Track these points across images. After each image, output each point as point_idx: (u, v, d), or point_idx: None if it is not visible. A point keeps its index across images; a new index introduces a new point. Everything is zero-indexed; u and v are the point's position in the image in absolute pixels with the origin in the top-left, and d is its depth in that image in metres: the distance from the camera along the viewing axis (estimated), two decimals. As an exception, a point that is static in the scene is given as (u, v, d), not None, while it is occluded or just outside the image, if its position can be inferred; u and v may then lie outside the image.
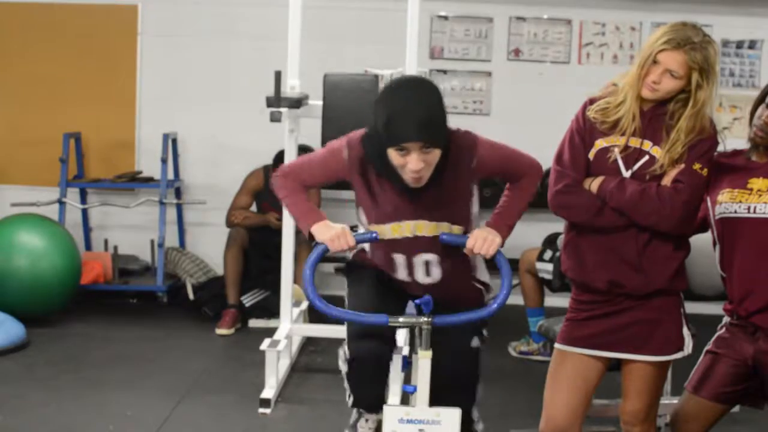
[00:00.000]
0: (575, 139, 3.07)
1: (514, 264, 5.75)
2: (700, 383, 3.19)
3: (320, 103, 4.98)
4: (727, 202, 3.10)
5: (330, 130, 4.99)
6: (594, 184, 2.99)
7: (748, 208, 3.05)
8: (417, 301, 2.71)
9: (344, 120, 4.98)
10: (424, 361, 2.61)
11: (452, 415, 2.57)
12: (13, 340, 5.33)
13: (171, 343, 5.65)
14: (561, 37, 6.92)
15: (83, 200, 6.92)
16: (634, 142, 2.98)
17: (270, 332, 5.14)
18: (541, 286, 5.61)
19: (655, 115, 2.98)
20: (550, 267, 5.45)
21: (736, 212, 3.07)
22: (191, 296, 6.40)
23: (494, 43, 6.93)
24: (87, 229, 6.95)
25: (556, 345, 3.22)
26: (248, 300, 6.15)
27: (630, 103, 2.98)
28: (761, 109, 3.12)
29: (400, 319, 2.70)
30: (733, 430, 4.12)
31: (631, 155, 2.98)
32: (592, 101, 3.11)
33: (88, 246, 6.92)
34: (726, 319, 3.20)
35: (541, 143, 6.84)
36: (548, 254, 5.52)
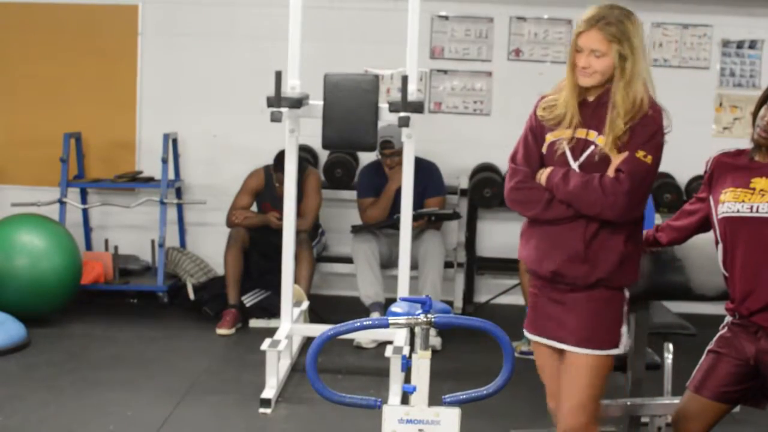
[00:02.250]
0: (528, 137, 3.13)
1: (514, 264, 5.79)
2: (701, 382, 3.19)
3: (320, 103, 4.98)
4: (729, 202, 3.10)
5: (330, 130, 5.00)
6: (543, 177, 3.03)
7: (751, 208, 3.05)
8: (417, 299, 2.71)
9: (344, 120, 4.99)
10: (423, 361, 2.61)
11: (452, 415, 2.57)
12: (13, 340, 5.33)
13: (171, 343, 5.65)
14: (561, 37, 6.92)
15: (84, 200, 6.92)
16: (581, 133, 3.00)
17: (270, 332, 5.14)
18: (541, 286, 5.60)
19: (600, 103, 3.00)
20: (550, 267, 5.44)
21: (738, 211, 3.08)
22: (192, 296, 6.40)
23: (494, 43, 6.93)
24: (87, 229, 6.95)
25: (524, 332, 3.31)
26: (249, 300, 6.15)
27: (566, 95, 3.02)
28: (764, 110, 3.12)
29: (401, 320, 2.70)
30: (733, 430, 4.12)
31: (577, 146, 3.00)
32: (543, 98, 3.16)
33: (89, 246, 6.92)
34: (728, 319, 3.20)
35: (541, 143, 6.88)
36: (548, 254, 5.51)
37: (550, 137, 3.06)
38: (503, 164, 6.79)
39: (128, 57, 6.93)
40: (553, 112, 3.06)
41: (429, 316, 2.65)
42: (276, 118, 4.77)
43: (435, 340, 5.47)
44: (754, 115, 3.18)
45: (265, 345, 4.76)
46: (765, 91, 3.18)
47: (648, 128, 2.97)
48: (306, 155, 6.68)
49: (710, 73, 6.87)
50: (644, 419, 3.98)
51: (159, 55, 6.90)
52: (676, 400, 3.38)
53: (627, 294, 3.11)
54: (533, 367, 5.58)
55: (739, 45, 6.83)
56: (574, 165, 3.01)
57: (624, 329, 3.08)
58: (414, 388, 2.61)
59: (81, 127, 6.85)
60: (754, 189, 3.08)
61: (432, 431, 2.55)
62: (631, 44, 2.96)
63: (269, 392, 4.66)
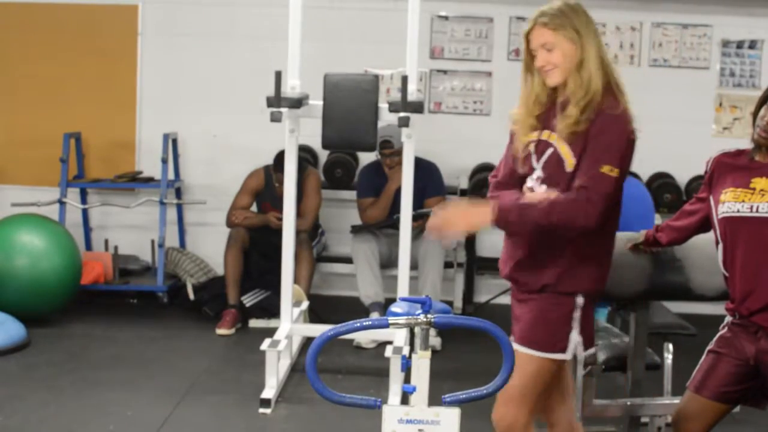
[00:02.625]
0: (506, 152, 3.13)
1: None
2: (702, 382, 3.19)
3: (320, 103, 4.98)
4: (730, 202, 3.10)
5: (330, 130, 5.00)
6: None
7: (751, 208, 3.06)
8: (417, 300, 2.71)
9: (344, 120, 4.99)
10: (423, 361, 2.61)
11: (452, 415, 2.57)
12: (13, 340, 5.33)
13: (171, 343, 5.65)
14: (561, 37, 6.92)
15: (83, 200, 6.92)
16: (545, 135, 2.98)
17: (270, 332, 5.14)
18: (541, 286, 5.60)
19: (561, 102, 2.97)
20: (550, 267, 5.44)
21: (738, 211, 3.08)
22: (191, 296, 6.40)
23: (494, 43, 6.93)
24: (87, 229, 6.95)
25: None
26: (248, 300, 6.15)
27: (524, 101, 3.03)
28: (764, 110, 3.13)
29: (400, 321, 2.70)
30: (733, 430, 4.12)
31: (540, 148, 2.97)
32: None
33: (89, 246, 6.92)
34: (728, 319, 3.20)
35: (541, 143, 6.88)
36: (548, 254, 5.51)
37: (523, 139, 3.03)
38: (503, 164, 6.81)
39: (128, 57, 6.93)
40: (516, 126, 3.07)
41: (429, 316, 2.65)
42: (276, 118, 4.77)
43: (435, 340, 5.47)
44: (754, 115, 3.18)
45: (265, 345, 4.76)
46: (765, 91, 3.18)
47: (609, 133, 2.86)
48: (306, 155, 6.68)
49: (710, 73, 6.88)
50: (644, 419, 3.98)
51: (159, 55, 6.90)
52: (676, 400, 3.38)
53: (581, 300, 2.99)
54: (533, 367, 5.58)
55: (739, 45, 6.84)
56: (537, 166, 2.97)
57: (574, 335, 2.99)
58: (414, 388, 2.61)
59: (81, 127, 6.85)
60: (754, 189, 3.08)
61: (432, 431, 2.55)
62: (575, 29, 2.91)
63: (269, 392, 4.67)
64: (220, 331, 5.89)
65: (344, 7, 6.78)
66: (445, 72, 6.90)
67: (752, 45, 6.83)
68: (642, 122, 7.24)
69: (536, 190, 2.97)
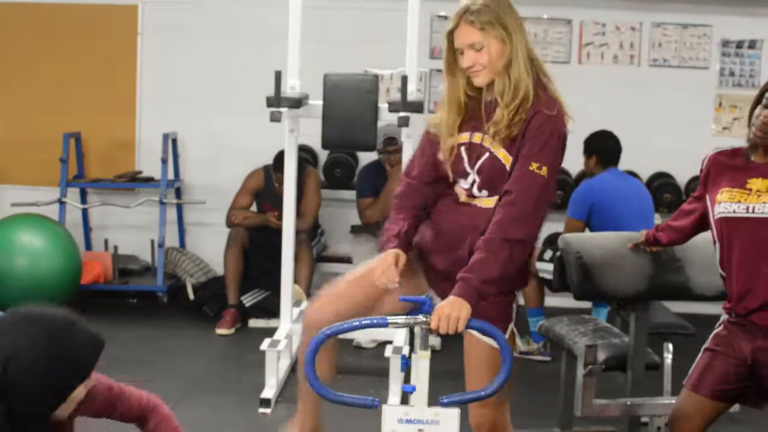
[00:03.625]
0: (419, 151, 3.07)
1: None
2: (698, 381, 3.19)
3: (320, 103, 4.98)
4: (726, 202, 3.10)
5: (330, 130, 4.99)
6: None
7: (747, 208, 3.06)
8: (416, 299, 2.71)
9: (344, 120, 4.98)
10: (423, 361, 2.61)
11: (451, 415, 2.57)
12: (13, 340, 5.32)
13: (171, 343, 5.65)
14: (561, 37, 6.92)
15: (83, 200, 6.92)
16: (477, 138, 2.90)
17: (270, 332, 5.13)
18: (541, 286, 5.61)
19: (490, 102, 2.88)
20: (550, 267, 5.44)
21: (735, 212, 3.08)
22: (191, 296, 6.40)
23: (494, 43, 6.92)
24: (87, 229, 6.95)
25: None
26: (248, 300, 6.15)
27: (448, 102, 2.94)
28: (759, 109, 3.12)
29: (400, 320, 2.70)
30: (733, 430, 4.12)
31: (473, 151, 2.90)
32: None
33: (88, 246, 6.92)
34: (724, 317, 3.20)
35: (541, 143, 6.87)
36: (548, 254, 5.52)
37: (450, 141, 2.93)
38: (503, 164, 6.81)
39: (128, 57, 6.93)
40: (437, 131, 2.98)
41: (428, 316, 2.65)
42: (276, 118, 4.77)
43: (435, 340, 5.47)
44: (750, 115, 3.17)
45: (265, 345, 4.76)
46: (760, 91, 3.17)
47: (542, 133, 2.81)
48: (306, 155, 6.68)
49: (710, 73, 6.88)
50: (644, 419, 3.99)
51: (159, 55, 6.90)
52: (675, 400, 3.38)
53: (514, 296, 3.06)
54: (533, 367, 5.61)
55: (739, 45, 6.84)
56: (472, 171, 2.90)
57: (511, 326, 3.06)
58: (413, 388, 2.61)
59: (81, 127, 6.85)
60: (750, 189, 3.08)
61: (431, 431, 2.55)
62: (504, 26, 2.79)
63: (269, 392, 4.66)
64: (220, 331, 5.89)
65: (344, 7, 6.77)
66: (445, 72, 6.89)
67: (752, 45, 6.83)
68: (642, 122, 7.28)
69: (477, 195, 2.92)
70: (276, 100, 4.76)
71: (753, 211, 3.05)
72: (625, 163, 5.63)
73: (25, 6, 6.90)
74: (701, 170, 3.28)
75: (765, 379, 3.11)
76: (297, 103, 4.87)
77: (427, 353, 2.62)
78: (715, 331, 3.23)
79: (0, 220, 6.03)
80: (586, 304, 5.58)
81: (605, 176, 5.51)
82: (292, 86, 4.97)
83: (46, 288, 5.75)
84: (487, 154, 2.86)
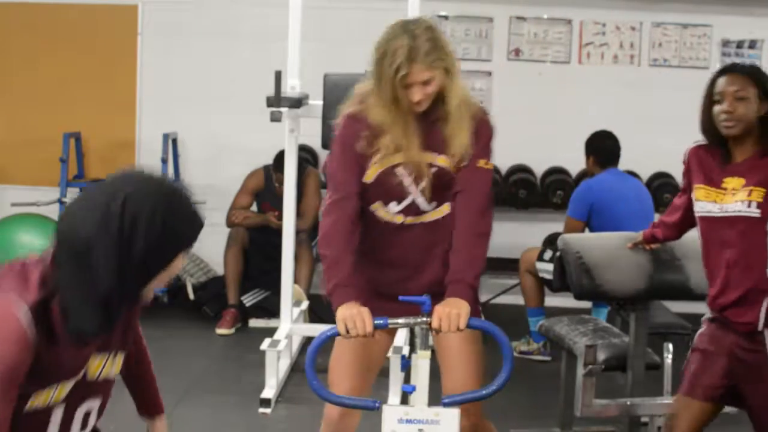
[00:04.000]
0: (342, 170, 2.97)
1: (514, 263, 5.80)
2: (692, 385, 3.20)
3: (320, 103, 4.98)
4: (702, 201, 3.13)
5: (330, 130, 4.98)
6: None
7: (721, 208, 3.07)
8: (417, 299, 2.71)
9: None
10: (423, 361, 2.61)
11: (451, 415, 2.57)
12: (13, 340, 5.32)
13: (171, 343, 5.65)
14: (561, 37, 6.92)
15: (83, 200, 6.92)
16: (419, 157, 2.90)
17: (270, 332, 5.14)
18: (541, 286, 5.61)
19: (430, 121, 2.90)
20: (550, 267, 5.45)
21: (710, 212, 3.11)
22: (191, 296, 6.40)
23: (494, 43, 6.93)
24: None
25: None
26: (248, 300, 6.15)
27: (391, 125, 2.88)
28: (717, 109, 3.09)
29: (400, 320, 2.70)
30: (734, 430, 4.12)
31: (417, 172, 2.90)
32: (349, 117, 3.05)
33: (88, 246, 6.92)
34: (708, 315, 3.22)
35: (541, 143, 6.88)
36: (548, 254, 5.53)
37: (377, 167, 2.92)
38: (502, 164, 6.81)
39: (128, 57, 6.93)
40: (376, 143, 2.91)
41: (428, 316, 2.65)
42: (276, 118, 4.77)
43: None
44: (704, 118, 3.13)
45: (265, 345, 4.76)
46: (707, 93, 3.13)
47: (482, 134, 2.93)
48: (306, 155, 6.68)
49: (710, 73, 6.81)
50: (644, 419, 3.99)
51: (159, 55, 6.90)
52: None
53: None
54: (533, 367, 5.61)
55: (739, 45, 6.83)
56: (416, 191, 2.92)
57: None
58: (413, 388, 2.61)
59: (81, 127, 6.85)
60: (725, 189, 3.07)
61: (432, 431, 2.55)
62: (449, 57, 2.90)
63: (269, 392, 4.67)
64: (220, 331, 5.89)
65: (344, 7, 6.77)
66: (445, 72, 6.90)
67: (752, 45, 6.83)
68: (642, 122, 7.27)
69: (426, 210, 2.96)
70: (276, 100, 4.77)
71: (726, 211, 3.06)
72: (625, 163, 5.63)
73: (25, 6, 6.91)
74: (684, 162, 3.29)
75: (738, 377, 3.12)
76: (297, 103, 4.87)
77: (427, 353, 2.62)
78: (699, 330, 3.24)
79: (0, 220, 6.03)
80: (586, 304, 5.58)
81: (605, 176, 5.51)
82: (292, 86, 4.98)
83: (46, 288, 5.75)
84: (433, 169, 2.91)
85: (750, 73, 3.09)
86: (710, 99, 3.10)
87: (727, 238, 3.05)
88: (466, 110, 2.91)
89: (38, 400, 1.94)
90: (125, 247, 1.87)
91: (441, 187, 2.93)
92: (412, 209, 2.95)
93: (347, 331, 2.71)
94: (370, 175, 2.93)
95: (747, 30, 6.81)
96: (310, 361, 2.64)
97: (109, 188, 1.92)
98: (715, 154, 3.14)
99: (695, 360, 3.21)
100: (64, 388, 1.99)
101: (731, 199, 3.04)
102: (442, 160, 2.91)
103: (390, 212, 2.97)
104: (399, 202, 2.95)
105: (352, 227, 2.91)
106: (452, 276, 2.83)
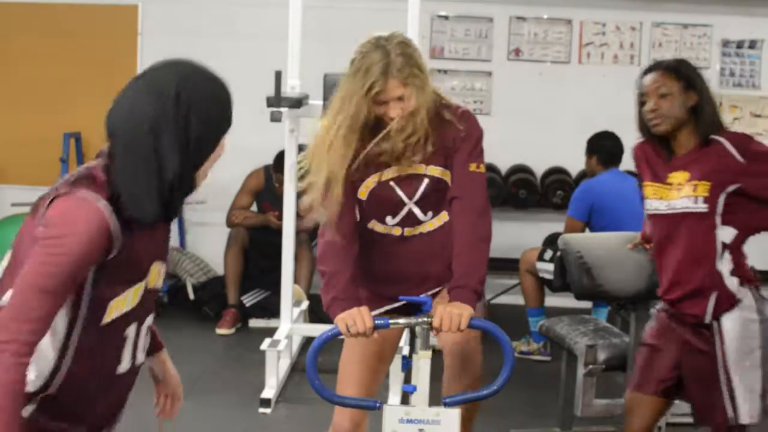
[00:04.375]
0: (339, 207, 2.90)
1: (514, 264, 5.80)
2: (641, 380, 3.24)
3: (320, 103, 4.97)
4: (650, 199, 3.16)
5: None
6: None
7: (669, 205, 3.08)
8: (417, 299, 2.71)
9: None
10: (424, 360, 2.61)
11: (452, 415, 2.57)
12: (13, 340, 5.32)
13: (171, 342, 5.59)
14: (561, 37, 6.92)
15: (83, 200, 6.92)
16: (405, 170, 2.91)
17: (270, 332, 5.14)
18: (541, 286, 5.61)
19: (408, 133, 2.87)
20: (550, 267, 5.46)
21: (657, 209, 3.13)
22: (191, 296, 6.40)
23: (494, 43, 6.93)
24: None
25: None
26: (248, 300, 6.15)
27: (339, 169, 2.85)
28: (645, 109, 3.10)
29: (401, 320, 2.70)
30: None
31: (407, 184, 2.91)
32: None
33: (88, 246, 6.92)
34: (657, 307, 3.24)
35: (541, 143, 6.88)
36: (548, 254, 5.53)
37: (370, 182, 2.93)
38: (503, 164, 6.82)
39: (128, 57, 6.92)
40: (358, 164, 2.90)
41: (430, 315, 2.65)
42: (276, 118, 4.77)
43: (435, 340, 5.47)
44: (640, 120, 3.16)
45: (265, 345, 4.76)
46: (638, 97, 3.17)
47: (470, 138, 2.90)
48: (306, 155, 6.67)
49: (710, 73, 6.87)
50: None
51: (159, 55, 6.79)
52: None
53: None
54: (533, 367, 5.61)
55: (739, 45, 6.83)
56: (410, 203, 2.94)
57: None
58: (414, 388, 2.61)
59: (81, 127, 6.85)
60: (671, 184, 3.10)
61: (432, 431, 2.55)
62: (422, 72, 2.85)
63: (269, 392, 4.67)
64: (220, 331, 5.89)
65: (344, 7, 6.77)
66: (445, 72, 6.90)
67: (752, 45, 6.83)
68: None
69: (423, 220, 2.97)
70: (276, 100, 4.77)
71: (673, 208, 3.07)
72: (625, 163, 5.63)
73: (25, 6, 6.90)
74: (633, 160, 3.31)
75: (685, 369, 3.13)
76: (297, 103, 4.87)
77: (428, 353, 2.62)
78: (649, 324, 3.26)
79: (0, 220, 6.03)
80: (586, 304, 5.58)
81: (606, 176, 5.51)
82: (292, 86, 4.98)
83: (46, 288, 5.75)
84: (426, 181, 2.91)
85: (670, 68, 3.11)
86: (639, 99, 3.14)
87: (676, 234, 3.07)
88: (436, 115, 2.87)
89: (116, 307, 1.99)
90: (183, 129, 1.97)
91: (436, 197, 2.94)
92: (409, 220, 2.96)
93: (348, 330, 2.71)
94: (363, 192, 2.93)
95: (747, 30, 6.81)
96: (312, 362, 2.64)
97: (158, 76, 2.09)
98: (659, 150, 3.16)
99: (643, 355, 3.24)
100: (137, 294, 2.05)
101: (677, 195, 3.06)
102: (434, 170, 2.91)
103: (387, 225, 2.98)
104: (394, 216, 2.97)
105: (347, 243, 2.90)
106: (455, 282, 2.82)
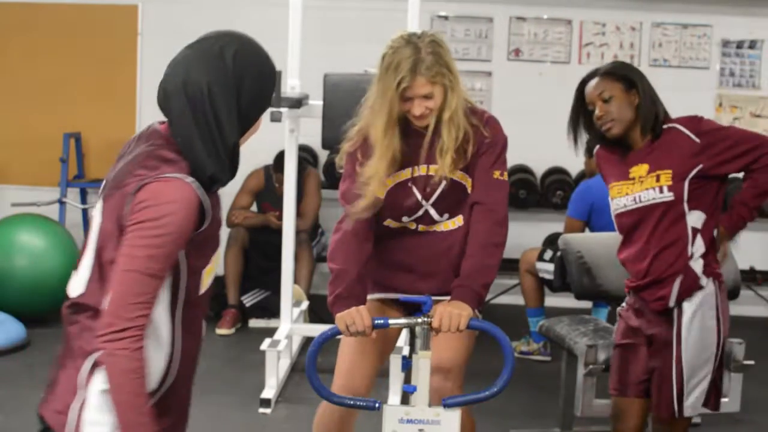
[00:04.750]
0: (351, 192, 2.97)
1: (514, 264, 5.80)
2: (620, 383, 3.24)
3: (320, 103, 4.98)
4: (617, 198, 3.18)
5: (330, 130, 4.99)
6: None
7: (635, 199, 3.10)
8: (417, 299, 2.71)
9: (344, 120, 4.97)
10: (423, 360, 2.61)
11: (452, 416, 2.57)
12: (13, 340, 5.33)
13: (171, 343, 5.65)
14: (561, 37, 6.92)
15: (83, 200, 6.93)
16: (423, 170, 2.93)
17: (270, 332, 5.14)
18: (541, 286, 5.61)
19: (436, 135, 2.90)
20: (550, 267, 5.46)
21: (625, 206, 3.14)
22: (191, 296, 6.40)
23: (494, 43, 6.93)
24: (87, 230, 6.94)
25: None
26: (248, 300, 6.15)
27: (382, 140, 2.88)
28: (594, 116, 3.12)
29: (401, 320, 2.70)
30: (733, 430, 4.12)
31: (425, 184, 2.94)
32: (350, 154, 3.03)
33: (89, 246, 6.93)
34: (624, 304, 3.26)
35: (541, 143, 6.89)
36: (548, 254, 5.53)
37: (389, 182, 2.95)
38: (503, 164, 6.82)
39: (128, 57, 6.93)
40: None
41: (430, 315, 2.65)
42: (276, 118, 4.77)
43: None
44: (587, 124, 3.19)
45: (265, 345, 4.76)
46: (580, 103, 3.20)
47: (494, 145, 2.93)
48: (306, 155, 6.68)
49: (710, 73, 6.88)
50: (644, 419, 3.98)
51: (159, 55, 6.86)
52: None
53: None
54: (533, 367, 5.61)
55: (739, 45, 6.84)
56: (426, 203, 2.95)
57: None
58: (414, 388, 2.61)
59: (81, 127, 6.85)
60: (633, 179, 3.12)
61: (432, 431, 2.55)
62: (452, 73, 2.86)
63: (269, 392, 4.67)
64: (220, 331, 5.89)
65: (344, 7, 6.78)
66: (445, 72, 6.90)
67: (752, 45, 6.83)
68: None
69: (438, 220, 2.98)
70: (276, 100, 4.77)
71: (641, 201, 3.09)
72: (625, 163, 5.63)
73: (25, 6, 6.91)
74: (597, 168, 3.34)
75: (653, 362, 3.14)
76: (297, 103, 4.88)
77: (428, 353, 2.62)
78: (616, 324, 3.29)
79: (0, 220, 6.03)
80: (586, 304, 5.58)
81: (606, 176, 5.51)
82: (292, 86, 4.98)
83: (46, 288, 5.75)
84: (444, 183, 2.92)
85: (608, 72, 3.14)
86: (585, 110, 3.17)
87: (645, 225, 3.09)
88: (459, 135, 2.87)
89: (207, 275, 2.06)
90: (235, 95, 2.02)
91: (453, 199, 2.95)
92: (425, 219, 2.99)
93: (347, 328, 2.72)
94: (381, 192, 2.94)
95: (747, 30, 6.81)
96: (312, 360, 2.64)
97: (211, 45, 2.08)
98: (615, 150, 3.19)
99: (617, 357, 3.25)
100: (216, 262, 2.12)
101: (641, 188, 3.08)
102: (452, 173, 2.91)
103: (402, 222, 3.01)
104: (410, 216, 2.99)
105: (358, 242, 2.94)
106: (460, 281, 2.84)
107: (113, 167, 2.06)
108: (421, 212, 2.98)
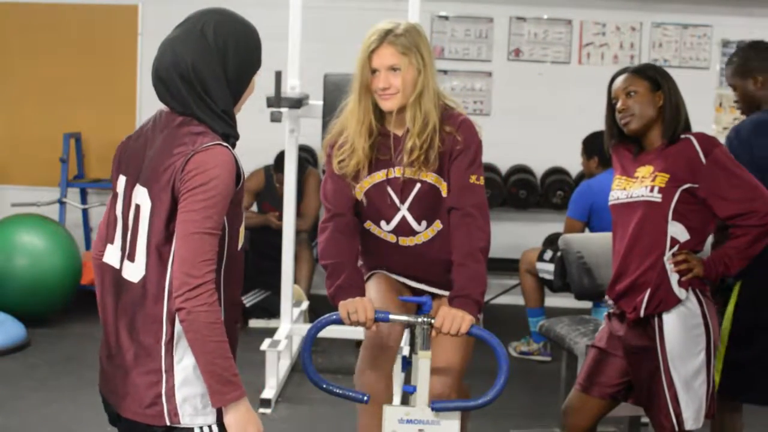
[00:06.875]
0: (332, 184, 2.97)
1: (514, 264, 5.80)
2: (588, 382, 3.24)
3: (320, 103, 4.98)
4: (614, 190, 3.19)
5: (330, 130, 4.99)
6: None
7: (628, 194, 3.12)
8: (417, 300, 2.71)
9: (344, 120, 4.99)
10: (423, 361, 2.61)
11: (452, 416, 2.57)
12: (13, 340, 5.33)
13: (171, 343, 5.65)
14: (561, 37, 6.92)
15: (84, 200, 6.92)
16: (398, 172, 2.89)
17: (270, 332, 5.14)
18: (541, 287, 5.61)
19: (404, 137, 2.88)
20: (550, 267, 5.46)
21: (618, 198, 3.16)
22: (191, 296, 6.39)
23: (494, 43, 6.93)
24: (87, 229, 6.95)
25: None
26: (248, 300, 6.15)
27: (356, 136, 2.89)
28: (620, 103, 3.14)
29: (403, 317, 2.71)
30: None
31: (399, 185, 2.90)
32: (333, 147, 3.01)
33: (89, 246, 6.92)
34: (609, 310, 3.26)
35: (541, 143, 6.89)
36: (548, 254, 5.53)
37: (366, 183, 2.93)
38: (503, 164, 6.82)
39: (128, 57, 6.93)
40: (351, 163, 2.91)
41: (430, 316, 2.66)
42: (276, 118, 4.77)
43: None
44: (609, 121, 3.22)
45: (265, 345, 4.76)
46: (607, 101, 3.22)
47: (468, 148, 2.87)
48: (306, 155, 6.68)
49: (710, 73, 6.88)
50: (644, 419, 3.98)
51: (159, 55, 6.90)
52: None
53: None
54: (533, 367, 5.61)
55: (739, 45, 6.83)
56: (403, 207, 2.92)
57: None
58: (414, 389, 2.61)
59: (81, 127, 6.85)
60: (637, 177, 3.13)
61: (432, 431, 2.56)
62: (422, 56, 2.84)
63: (269, 392, 4.67)
64: (220, 331, 5.88)
65: (344, 7, 6.78)
66: (445, 72, 6.90)
67: (752, 45, 6.83)
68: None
69: (418, 231, 2.94)
70: (276, 100, 4.77)
71: (631, 196, 3.10)
72: (625, 163, 5.63)
73: (25, 6, 6.91)
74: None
75: (632, 373, 3.14)
76: (297, 103, 4.87)
77: (428, 353, 2.62)
78: (601, 326, 3.27)
79: (0, 220, 6.03)
80: (586, 304, 5.58)
81: (605, 176, 5.50)
82: (292, 86, 4.98)
83: (46, 288, 5.75)
84: (418, 185, 2.89)
85: (637, 70, 3.17)
86: (609, 104, 3.20)
87: (629, 222, 3.10)
88: (432, 126, 2.84)
89: (242, 232, 2.22)
90: (222, 66, 2.19)
91: (428, 203, 2.91)
92: (404, 228, 2.94)
93: (348, 316, 2.72)
94: (359, 192, 2.93)
95: (747, 30, 6.80)
96: (308, 346, 2.65)
97: (195, 22, 2.28)
98: (631, 147, 3.20)
99: (592, 357, 3.25)
100: (244, 220, 2.28)
101: (639, 185, 3.09)
102: (426, 175, 2.87)
103: (383, 230, 2.97)
104: (389, 222, 2.95)
105: (346, 239, 2.92)
106: (456, 292, 2.81)
107: (125, 159, 2.24)
108: (398, 217, 2.93)
